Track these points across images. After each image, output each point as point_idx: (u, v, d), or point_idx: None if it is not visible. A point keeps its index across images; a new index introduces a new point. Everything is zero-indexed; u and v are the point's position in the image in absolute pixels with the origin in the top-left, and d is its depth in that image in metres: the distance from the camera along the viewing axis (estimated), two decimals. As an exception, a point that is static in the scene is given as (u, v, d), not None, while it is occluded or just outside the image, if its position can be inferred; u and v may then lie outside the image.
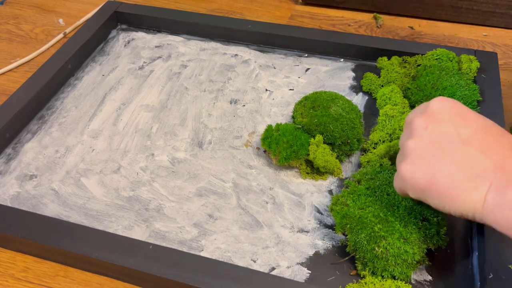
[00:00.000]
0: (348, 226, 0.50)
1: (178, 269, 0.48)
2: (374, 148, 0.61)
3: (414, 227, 0.49)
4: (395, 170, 0.55)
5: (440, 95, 0.64)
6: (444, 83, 0.64)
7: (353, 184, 0.55)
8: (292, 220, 0.56)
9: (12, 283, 0.52)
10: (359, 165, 0.62)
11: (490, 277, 0.46)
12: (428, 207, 0.51)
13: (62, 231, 0.52)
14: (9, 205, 0.58)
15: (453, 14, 0.88)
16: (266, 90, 0.74)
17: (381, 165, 0.57)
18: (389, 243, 0.48)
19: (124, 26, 0.88)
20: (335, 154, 0.61)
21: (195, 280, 0.47)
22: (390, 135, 0.62)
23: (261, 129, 0.67)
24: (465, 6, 0.87)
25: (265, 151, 0.63)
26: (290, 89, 0.74)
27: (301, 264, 0.52)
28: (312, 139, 0.60)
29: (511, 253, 0.48)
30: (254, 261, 0.52)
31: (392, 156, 0.59)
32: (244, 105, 0.71)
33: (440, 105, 0.45)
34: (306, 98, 0.66)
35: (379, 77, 0.73)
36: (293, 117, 0.66)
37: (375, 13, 0.91)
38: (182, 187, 0.60)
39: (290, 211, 0.57)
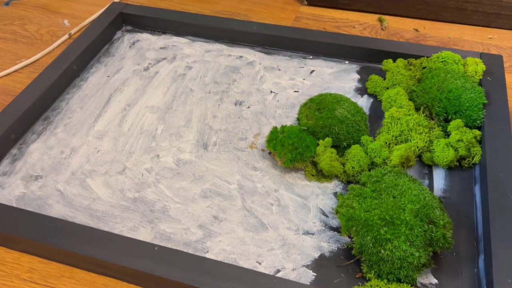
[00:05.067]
0: (353, 228, 0.50)
1: (183, 270, 0.48)
2: (386, 163, 0.60)
3: (420, 230, 0.48)
4: (400, 173, 0.55)
5: (445, 97, 0.64)
6: (450, 86, 0.64)
7: (359, 187, 0.55)
8: (297, 222, 0.56)
9: (18, 284, 0.52)
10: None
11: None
12: (434, 210, 0.50)
13: (67, 232, 0.52)
14: (15, 205, 0.58)
15: (458, 16, 0.88)
16: (271, 91, 0.74)
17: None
18: (395, 246, 0.48)
19: (129, 28, 0.88)
20: (340, 160, 0.61)
21: (200, 282, 0.47)
22: (396, 137, 0.62)
23: (266, 130, 0.67)
24: (470, 8, 0.87)
25: (270, 153, 0.63)
26: (295, 91, 0.74)
27: (307, 266, 0.52)
28: (321, 140, 0.60)
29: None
30: (259, 263, 0.52)
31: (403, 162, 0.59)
32: (249, 107, 0.71)
33: None
34: (311, 100, 0.66)
35: (384, 79, 0.73)
36: (298, 119, 0.66)
37: (380, 15, 0.91)
38: (187, 189, 0.60)
39: (295, 213, 0.57)
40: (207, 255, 0.53)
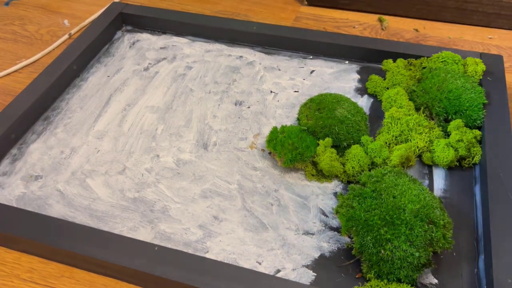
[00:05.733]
0: (354, 228, 0.50)
1: (183, 270, 0.48)
2: (386, 163, 0.60)
3: (420, 230, 0.48)
4: (400, 173, 0.55)
5: (445, 97, 0.64)
6: (450, 86, 0.64)
7: (359, 187, 0.55)
8: (297, 222, 0.56)
9: (18, 284, 0.52)
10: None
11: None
12: (434, 210, 0.50)
13: (67, 232, 0.52)
14: (15, 205, 0.58)
15: (458, 16, 0.88)
16: (271, 92, 0.74)
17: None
18: (395, 246, 0.48)
19: (129, 28, 0.88)
20: (340, 160, 0.61)
21: (200, 282, 0.47)
22: (396, 137, 0.62)
23: (266, 131, 0.67)
24: (470, 8, 0.87)
25: (270, 153, 0.63)
26: (295, 91, 0.74)
27: (307, 266, 0.52)
28: (321, 141, 0.60)
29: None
30: (260, 263, 0.52)
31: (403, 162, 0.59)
32: (249, 107, 0.71)
33: None
34: (311, 100, 0.66)
35: (384, 79, 0.73)
36: (298, 119, 0.66)
37: (380, 15, 0.91)
38: (187, 189, 0.60)
39: (295, 213, 0.57)
40: (207, 255, 0.53)
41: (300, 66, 0.78)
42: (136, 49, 0.83)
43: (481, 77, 0.69)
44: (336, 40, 0.78)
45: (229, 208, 0.58)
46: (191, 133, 0.68)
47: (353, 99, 0.69)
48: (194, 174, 0.62)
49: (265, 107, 0.71)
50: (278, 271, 0.51)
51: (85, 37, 0.80)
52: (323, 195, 0.59)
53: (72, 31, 0.90)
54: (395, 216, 0.49)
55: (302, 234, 0.55)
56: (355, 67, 0.78)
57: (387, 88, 0.71)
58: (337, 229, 0.55)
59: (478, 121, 0.63)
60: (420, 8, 0.89)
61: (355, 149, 0.60)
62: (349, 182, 0.60)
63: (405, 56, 0.75)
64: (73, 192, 0.60)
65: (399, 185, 0.53)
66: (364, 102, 0.71)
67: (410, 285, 0.48)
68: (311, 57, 0.80)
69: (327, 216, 0.57)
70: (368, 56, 0.77)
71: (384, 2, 0.90)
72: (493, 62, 0.72)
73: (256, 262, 0.52)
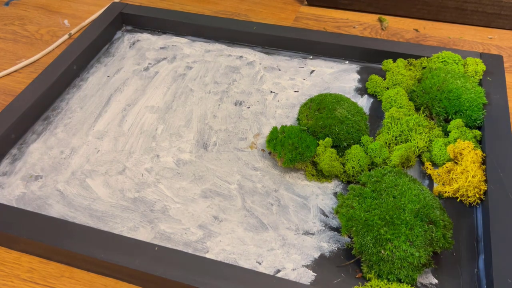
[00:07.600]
0: (354, 228, 0.50)
1: (183, 270, 0.48)
2: (386, 164, 0.60)
3: (420, 230, 0.48)
4: (400, 173, 0.55)
5: (445, 97, 0.64)
6: (450, 86, 0.64)
7: (359, 187, 0.55)
8: (297, 222, 0.56)
9: (17, 284, 0.52)
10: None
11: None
12: (434, 210, 0.50)
13: (67, 232, 0.52)
14: (15, 205, 0.58)
15: (458, 16, 0.88)
16: (271, 92, 0.74)
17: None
18: (395, 246, 0.48)
19: (129, 28, 0.88)
20: (340, 160, 0.61)
21: (200, 282, 0.47)
22: (396, 137, 0.62)
23: (266, 131, 0.67)
24: (470, 8, 0.87)
25: (270, 153, 0.63)
26: (295, 91, 0.74)
27: (307, 266, 0.52)
28: (321, 140, 0.60)
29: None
30: (260, 263, 0.52)
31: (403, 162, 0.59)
32: (249, 107, 0.71)
33: None
34: (311, 100, 0.66)
35: (384, 79, 0.73)
36: (298, 119, 0.66)
37: (380, 15, 0.91)
38: (187, 189, 0.60)
39: (295, 213, 0.57)
40: (207, 255, 0.53)
41: (300, 66, 0.78)
42: (136, 49, 0.83)
43: (481, 77, 0.69)
44: (336, 40, 0.78)
45: (229, 208, 0.58)
46: (191, 133, 0.68)
47: (353, 99, 0.69)
48: (194, 174, 0.62)
49: (265, 107, 0.71)
50: (278, 271, 0.51)
51: (85, 37, 0.80)
52: (323, 195, 0.59)
53: (72, 31, 0.90)
54: (395, 216, 0.49)
55: (302, 234, 0.55)
56: (355, 67, 0.78)
57: (387, 88, 0.71)
58: (337, 229, 0.55)
59: (478, 121, 0.63)
60: (420, 8, 0.89)
61: (355, 149, 0.60)
62: (349, 182, 0.60)
63: (405, 56, 0.75)
64: (73, 192, 0.60)
65: (399, 185, 0.53)
66: (364, 102, 0.71)
67: (410, 285, 0.48)
68: (311, 57, 0.80)
69: (327, 216, 0.57)
70: (368, 56, 0.77)
71: (384, 2, 0.90)
72: (493, 62, 0.72)
73: (256, 262, 0.52)
